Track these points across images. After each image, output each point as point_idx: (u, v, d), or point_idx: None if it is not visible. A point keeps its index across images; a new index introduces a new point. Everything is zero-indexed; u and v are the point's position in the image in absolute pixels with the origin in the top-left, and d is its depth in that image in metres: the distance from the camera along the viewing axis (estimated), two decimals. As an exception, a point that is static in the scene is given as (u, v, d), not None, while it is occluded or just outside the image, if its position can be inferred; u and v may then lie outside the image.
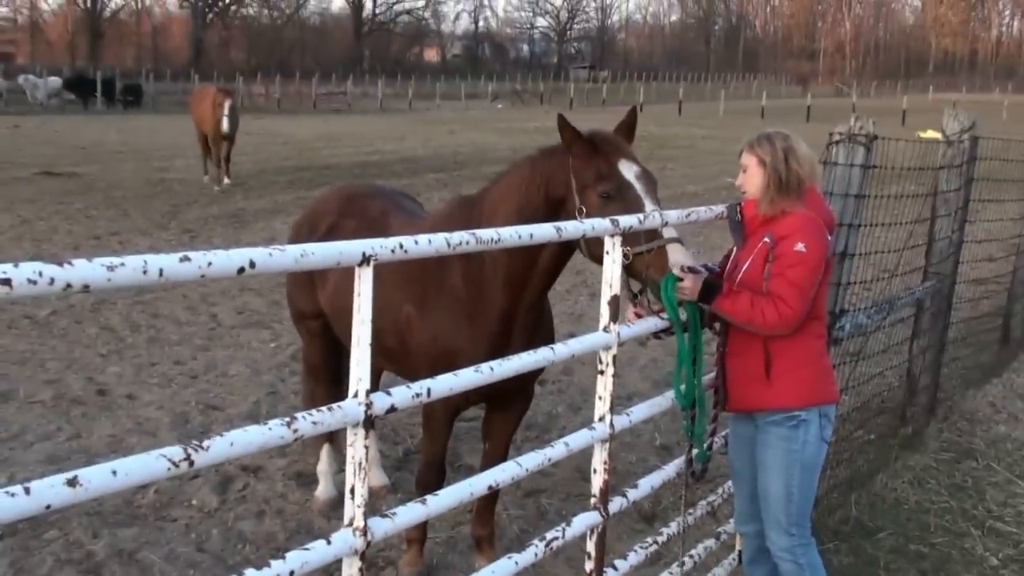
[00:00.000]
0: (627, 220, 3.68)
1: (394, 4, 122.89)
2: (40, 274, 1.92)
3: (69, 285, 1.98)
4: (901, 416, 7.35)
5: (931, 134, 9.76)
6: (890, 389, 7.18)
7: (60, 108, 49.74)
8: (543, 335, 4.63)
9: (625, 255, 3.78)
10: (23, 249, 13.07)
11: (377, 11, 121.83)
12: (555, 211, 4.19)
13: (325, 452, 5.92)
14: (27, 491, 1.94)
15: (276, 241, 14.16)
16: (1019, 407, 8.00)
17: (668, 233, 3.90)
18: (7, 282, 1.87)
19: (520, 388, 4.81)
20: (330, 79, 73.45)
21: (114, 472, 2.11)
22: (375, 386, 5.65)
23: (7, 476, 5.94)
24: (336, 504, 5.62)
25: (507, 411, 4.99)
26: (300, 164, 25.45)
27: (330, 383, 5.83)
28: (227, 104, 20.01)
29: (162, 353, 8.71)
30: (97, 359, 8.46)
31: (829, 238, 4.05)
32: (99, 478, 2.08)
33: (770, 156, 4.04)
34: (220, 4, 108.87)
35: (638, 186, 4.05)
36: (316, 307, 5.54)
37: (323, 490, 5.87)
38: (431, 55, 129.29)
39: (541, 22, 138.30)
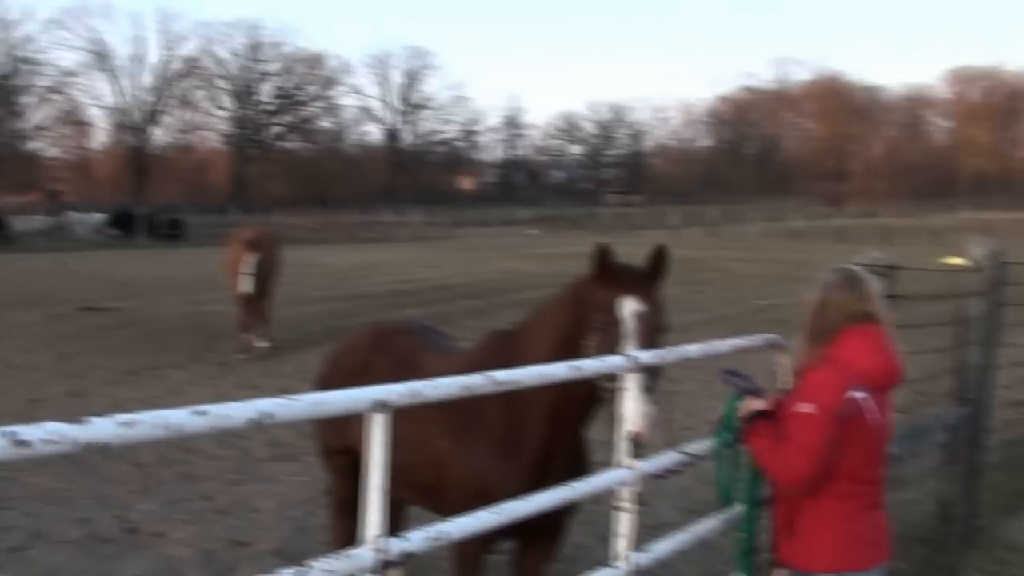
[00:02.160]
0: (648, 357, 3.73)
1: (429, 135, 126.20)
2: (59, 434, 2.00)
3: (89, 443, 2.06)
4: (937, 545, 7.19)
5: (955, 260, 9.74)
6: (925, 517, 7.03)
7: (104, 243, 51.13)
8: (581, 468, 4.49)
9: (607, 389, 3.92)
10: (62, 385, 13.27)
11: (413, 141, 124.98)
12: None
13: None
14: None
15: (308, 373, 14.27)
16: (1062, 535, 7.79)
17: (630, 382, 3.79)
18: (26, 443, 1.95)
19: (553, 524, 4.63)
20: (368, 209, 75.04)
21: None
22: (400, 519, 5.63)
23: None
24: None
25: (540, 547, 4.79)
26: (334, 294, 25.81)
27: (357, 520, 5.76)
28: (250, 260, 16.01)
29: (192, 488, 8.74)
30: (128, 496, 8.49)
31: (858, 395, 3.75)
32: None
33: (809, 303, 4.00)
34: (260, 139, 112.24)
35: (630, 325, 3.97)
36: (344, 442, 5.35)
37: None
38: (466, 183, 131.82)
39: (575, 149, 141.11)
